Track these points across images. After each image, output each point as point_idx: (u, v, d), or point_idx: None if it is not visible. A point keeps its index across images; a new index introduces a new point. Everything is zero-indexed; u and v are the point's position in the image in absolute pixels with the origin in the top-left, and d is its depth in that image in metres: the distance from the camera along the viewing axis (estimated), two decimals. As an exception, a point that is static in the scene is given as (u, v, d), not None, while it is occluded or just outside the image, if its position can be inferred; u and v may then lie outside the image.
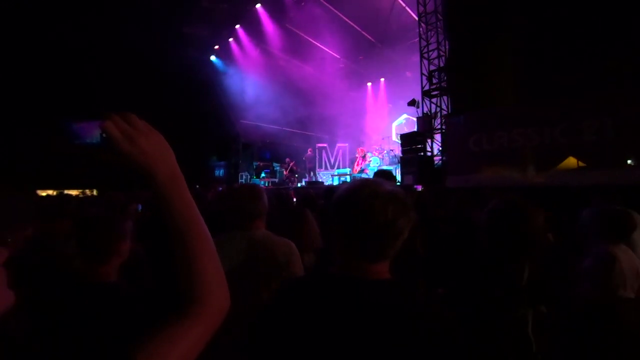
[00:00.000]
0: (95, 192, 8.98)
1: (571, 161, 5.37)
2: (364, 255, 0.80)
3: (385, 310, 0.73)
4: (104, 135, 0.51)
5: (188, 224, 0.56)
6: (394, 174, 9.28)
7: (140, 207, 4.00)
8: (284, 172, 12.45)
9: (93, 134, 0.51)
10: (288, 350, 0.76)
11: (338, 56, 13.64)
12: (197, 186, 9.46)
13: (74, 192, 7.46)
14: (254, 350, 0.83)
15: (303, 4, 11.50)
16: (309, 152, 12.92)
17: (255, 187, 1.70)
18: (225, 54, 13.99)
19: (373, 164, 11.50)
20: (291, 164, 12.46)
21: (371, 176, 10.20)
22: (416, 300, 0.79)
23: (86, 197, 5.93)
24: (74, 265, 1.26)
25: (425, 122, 8.86)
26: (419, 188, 6.16)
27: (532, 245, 1.28)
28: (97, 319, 1.01)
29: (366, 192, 0.79)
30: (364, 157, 11.51)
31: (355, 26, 12.12)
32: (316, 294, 0.80)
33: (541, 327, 1.21)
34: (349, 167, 12.04)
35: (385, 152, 12.18)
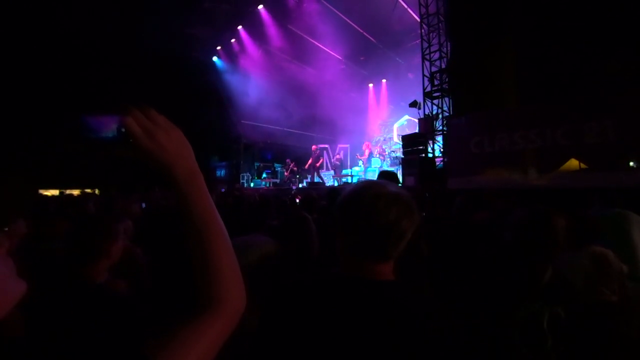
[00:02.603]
0: (97, 192, 9.01)
1: (573, 163, 5.35)
2: (367, 256, 0.80)
3: (388, 311, 0.73)
4: (123, 130, 0.49)
5: (206, 222, 0.56)
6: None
7: (144, 205, 4.01)
8: (285, 173, 12.44)
9: (109, 128, 0.49)
10: (290, 350, 0.75)
11: (340, 57, 13.64)
12: None
13: (75, 192, 7.49)
14: (256, 351, 0.82)
15: (305, 5, 11.52)
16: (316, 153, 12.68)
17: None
18: (227, 55, 14.03)
19: (374, 164, 11.52)
20: (291, 165, 12.43)
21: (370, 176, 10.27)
22: (419, 301, 0.79)
23: (86, 197, 5.94)
24: (64, 264, 1.25)
25: (426, 123, 8.86)
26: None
27: (555, 249, 1.29)
28: (80, 323, 0.99)
29: (370, 193, 0.79)
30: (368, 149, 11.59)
31: (357, 27, 12.14)
32: (319, 294, 0.80)
33: (557, 325, 1.22)
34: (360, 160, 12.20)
35: (386, 153, 12.19)
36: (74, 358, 0.93)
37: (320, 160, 12.31)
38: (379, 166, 11.52)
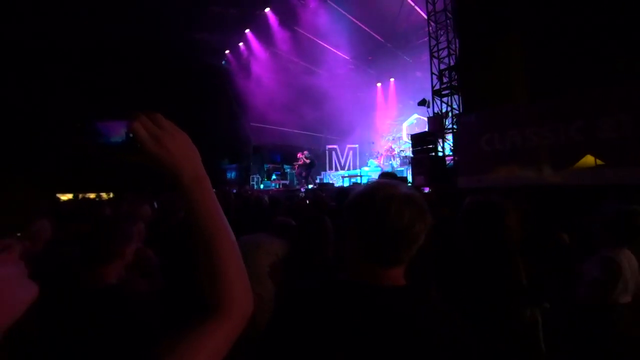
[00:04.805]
0: (111, 195, 9.23)
1: (589, 159, 5.20)
2: (377, 261, 0.76)
3: (399, 318, 0.71)
4: (130, 135, 0.49)
5: (213, 226, 0.55)
6: (405, 175, 9.30)
7: (155, 205, 4.07)
8: (295, 166, 12.27)
9: (117, 133, 0.50)
10: (297, 358, 0.74)
11: (347, 57, 13.63)
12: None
13: (91, 196, 7.70)
14: (265, 358, 0.81)
15: (311, 6, 11.56)
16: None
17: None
18: (236, 59, 14.19)
19: (371, 170, 11.57)
20: (300, 162, 12.21)
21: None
22: (431, 307, 0.76)
23: (101, 200, 6.09)
24: (78, 267, 1.29)
25: (436, 121, 8.76)
26: (426, 190, 6.07)
27: (516, 243, 1.23)
28: (93, 324, 1.01)
29: (381, 194, 0.76)
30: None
31: (364, 27, 12.11)
32: (328, 302, 0.77)
33: (548, 324, 1.18)
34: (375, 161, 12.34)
35: (396, 152, 12.13)
36: (83, 358, 0.96)
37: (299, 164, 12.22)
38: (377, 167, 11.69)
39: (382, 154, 12.45)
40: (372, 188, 0.79)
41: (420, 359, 0.68)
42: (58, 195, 8.62)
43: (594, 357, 1.58)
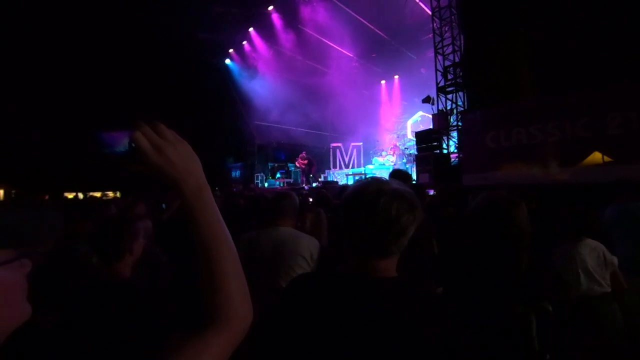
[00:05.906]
0: (118, 194, 9.34)
1: (596, 156, 5.15)
2: (368, 252, 0.80)
3: (387, 308, 0.74)
4: (132, 144, 0.50)
5: (213, 237, 0.56)
6: (410, 173, 9.26)
7: (163, 206, 4.09)
8: (302, 165, 12.16)
9: (121, 142, 0.50)
10: (293, 348, 0.77)
11: (351, 55, 13.59)
12: (217, 188, 9.63)
13: (97, 194, 7.79)
14: (261, 348, 0.84)
15: (314, 3, 11.53)
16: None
17: (283, 191, 1.99)
18: (240, 57, 14.22)
19: (375, 168, 11.52)
20: (302, 165, 12.24)
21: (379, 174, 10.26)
22: (420, 299, 0.79)
23: (106, 199, 6.16)
24: (91, 263, 1.36)
25: (440, 119, 8.71)
26: (431, 192, 6.01)
27: (522, 240, 1.25)
28: (112, 315, 1.08)
29: (372, 189, 0.81)
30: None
31: (368, 24, 12.05)
32: (321, 292, 0.82)
33: (547, 325, 1.18)
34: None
35: (400, 150, 12.09)
36: (101, 349, 1.00)
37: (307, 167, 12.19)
38: (386, 164, 11.59)
39: (388, 152, 12.43)
40: (365, 184, 0.85)
41: (406, 348, 0.70)
42: (65, 194, 8.75)
43: (583, 351, 1.62)
